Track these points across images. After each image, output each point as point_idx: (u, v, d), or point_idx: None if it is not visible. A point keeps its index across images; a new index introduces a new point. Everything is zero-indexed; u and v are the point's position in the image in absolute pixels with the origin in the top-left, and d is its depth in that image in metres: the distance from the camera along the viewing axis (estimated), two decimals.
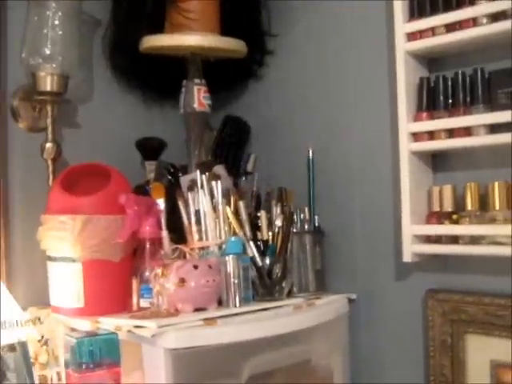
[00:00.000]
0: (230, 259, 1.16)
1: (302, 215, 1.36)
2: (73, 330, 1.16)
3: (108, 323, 1.11)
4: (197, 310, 1.14)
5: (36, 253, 1.28)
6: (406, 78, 1.19)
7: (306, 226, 1.35)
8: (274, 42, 1.52)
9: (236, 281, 1.16)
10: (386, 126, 1.30)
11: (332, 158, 1.40)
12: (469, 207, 1.14)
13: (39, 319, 1.10)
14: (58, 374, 1.11)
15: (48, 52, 1.27)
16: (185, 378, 1.04)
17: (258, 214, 1.33)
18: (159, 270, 1.11)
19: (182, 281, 1.11)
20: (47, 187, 1.31)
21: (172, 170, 1.45)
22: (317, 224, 1.37)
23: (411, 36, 1.19)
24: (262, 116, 1.54)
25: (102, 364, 1.05)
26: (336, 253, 1.37)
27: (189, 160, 1.45)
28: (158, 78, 1.48)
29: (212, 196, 1.27)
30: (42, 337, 1.09)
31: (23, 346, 1.06)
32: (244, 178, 1.46)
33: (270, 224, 1.29)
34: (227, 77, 1.52)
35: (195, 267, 1.13)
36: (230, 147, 1.50)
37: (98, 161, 1.30)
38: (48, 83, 1.28)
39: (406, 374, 1.28)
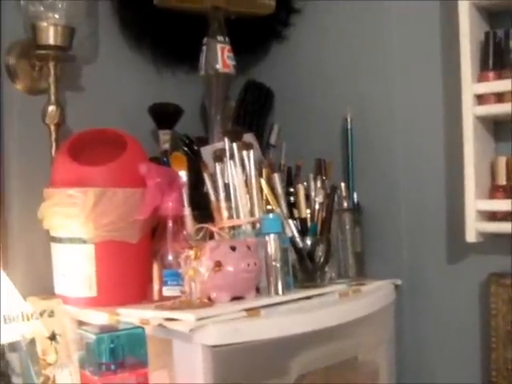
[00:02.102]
0: (271, 239, 1.00)
1: (338, 191, 1.21)
2: (80, 323, 0.99)
3: (130, 315, 0.95)
4: (233, 299, 0.98)
5: (36, 233, 1.12)
6: (470, 34, 1.04)
7: (345, 204, 1.21)
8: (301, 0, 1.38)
9: (278, 264, 1.00)
10: (438, 89, 1.19)
11: (371, 125, 1.28)
12: None
13: (51, 312, 0.92)
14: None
15: None
16: (226, 380, 0.88)
17: (291, 190, 1.18)
18: (192, 252, 0.94)
19: (218, 264, 0.95)
20: (49, 157, 1.15)
21: (187, 142, 1.30)
22: (356, 201, 1.23)
23: None
24: (286, 82, 1.41)
25: (125, 364, 0.88)
26: (377, 233, 1.25)
27: (209, 128, 1.30)
28: (172, 37, 1.33)
29: (243, 168, 1.11)
30: (52, 332, 0.91)
31: (30, 343, 0.89)
32: (270, 150, 1.31)
33: (308, 200, 1.14)
34: (249, 37, 1.37)
35: (233, 248, 0.97)
36: (252, 116, 1.35)
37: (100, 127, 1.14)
38: (51, 35, 1.12)
39: (460, 370, 1.18)
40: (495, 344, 1.09)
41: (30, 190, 1.13)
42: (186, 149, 1.29)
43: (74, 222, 1.02)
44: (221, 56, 1.25)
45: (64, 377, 0.92)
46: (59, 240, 1.06)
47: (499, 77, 1.06)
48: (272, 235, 1.01)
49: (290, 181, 1.23)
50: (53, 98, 1.14)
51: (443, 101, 1.17)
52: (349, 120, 1.26)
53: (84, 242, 1.03)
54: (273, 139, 1.36)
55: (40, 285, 1.11)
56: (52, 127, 1.14)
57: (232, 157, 1.11)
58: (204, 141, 1.31)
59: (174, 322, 0.89)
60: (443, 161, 1.19)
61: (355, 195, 1.24)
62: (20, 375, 0.87)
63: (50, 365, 0.93)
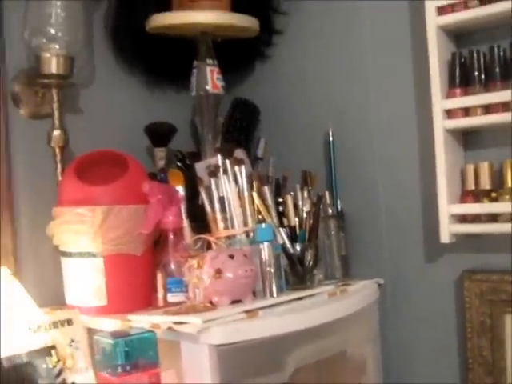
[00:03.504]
0: (265, 247, 1.10)
1: (323, 200, 1.30)
2: (90, 330, 1.07)
3: (141, 321, 1.04)
4: (233, 302, 1.07)
5: (45, 249, 1.20)
6: (438, 54, 1.14)
7: (330, 211, 1.30)
8: (282, 21, 1.45)
9: (272, 269, 1.10)
10: (411, 104, 1.27)
11: (351, 138, 1.35)
12: (509, 184, 1.11)
13: (70, 320, 1.00)
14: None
15: (53, 31, 1.18)
16: (231, 376, 0.97)
17: (279, 200, 1.27)
18: (195, 261, 1.03)
19: (219, 272, 1.04)
20: (55, 178, 1.22)
21: (181, 157, 1.38)
22: (340, 208, 1.32)
23: (442, 10, 1.14)
24: (271, 98, 1.48)
25: (138, 365, 0.97)
26: (360, 237, 1.33)
27: (200, 146, 1.38)
28: (162, 61, 1.39)
29: (235, 182, 1.20)
30: (71, 340, 1.00)
31: (52, 350, 0.97)
32: (258, 163, 1.40)
33: (295, 209, 1.23)
34: (234, 58, 1.44)
35: (231, 257, 1.06)
36: (240, 131, 1.43)
37: (101, 148, 1.21)
38: (53, 65, 1.19)
39: (440, 359, 1.25)
40: (470, 334, 1.18)
41: (38, 209, 1.20)
42: (179, 164, 1.37)
43: (84, 237, 1.10)
44: (210, 78, 1.32)
45: (83, 379, 1.00)
46: (69, 255, 1.13)
47: (465, 93, 1.14)
48: (265, 243, 1.10)
49: (278, 191, 1.31)
50: (57, 122, 1.21)
51: (416, 115, 1.25)
52: (330, 134, 1.33)
53: (93, 255, 1.10)
54: (260, 153, 1.42)
55: (49, 297, 1.17)
56: (57, 149, 1.22)
57: (225, 172, 1.20)
58: (195, 155, 1.38)
59: (183, 325, 0.97)
60: (418, 169, 1.26)
61: (339, 203, 1.32)
62: (45, 379, 0.95)
63: (68, 369, 1.00)
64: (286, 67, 1.46)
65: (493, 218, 1.13)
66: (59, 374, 0.98)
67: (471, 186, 1.16)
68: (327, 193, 1.31)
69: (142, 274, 1.15)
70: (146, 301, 1.15)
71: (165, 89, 1.46)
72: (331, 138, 1.34)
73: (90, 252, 1.11)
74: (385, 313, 1.30)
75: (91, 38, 1.33)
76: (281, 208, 1.26)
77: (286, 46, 1.45)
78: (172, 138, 1.37)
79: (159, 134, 1.35)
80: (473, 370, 1.18)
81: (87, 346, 1.02)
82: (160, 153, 1.35)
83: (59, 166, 1.22)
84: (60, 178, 1.21)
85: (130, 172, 1.15)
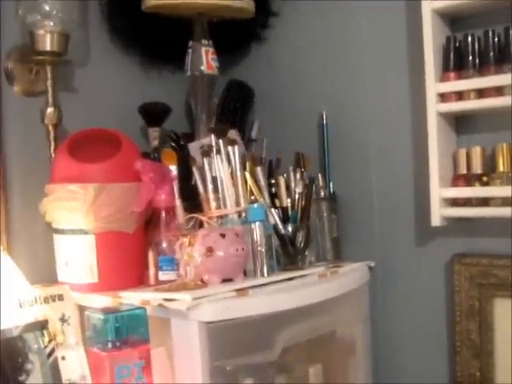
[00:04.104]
0: (256, 226, 1.10)
1: (315, 182, 1.30)
2: (81, 307, 1.08)
3: (131, 298, 1.04)
4: (224, 281, 1.07)
5: (38, 226, 1.20)
6: (433, 38, 1.14)
7: (322, 193, 1.30)
8: (278, 3, 1.45)
9: (263, 249, 1.10)
10: (405, 87, 1.27)
11: (345, 121, 1.35)
12: (501, 168, 1.12)
13: (61, 296, 1.01)
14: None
15: (47, 8, 1.18)
16: (220, 354, 0.98)
17: (272, 181, 1.28)
18: (186, 239, 1.04)
19: (210, 250, 1.04)
20: (48, 155, 1.22)
21: (175, 138, 1.38)
22: (332, 190, 1.32)
23: None
24: (266, 80, 1.48)
25: (128, 342, 0.98)
26: (352, 220, 1.34)
27: (195, 126, 1.38)
28: (158, 41, 1.39)
29: (228, 162, 1.20)
30: (62, 315, 1.00)
31: (43, 325, 0.98)
32: (252, 144, 1.40)
33: (288, 190, 1.24)
34: (229, 39, 1.44)
35: (222, 235, 1.06)
36: (234, 113, 1.43)
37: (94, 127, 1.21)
38: (48, 42, 1.19)
39: (428, 342, 1.27)
40: (459, 317, 1.19)
41: (30, 185, 1.20)
42: (173, 144, 1.37)
43: (76, 214, 1.10)
44: (205, 58, 1.32)
45: (73, 355, 1.01)
46: (62, 231, 1.13)
47: (459, 77, 1.14)
48: (257, 223, 1.10)
49: (270, 173, 1.31)
50: (50, 100, 1.21)
51: (410, 99, 1.25)
52: (324, 116, 1.33)
53: (85, 233, 1.10)
54: (254, 134, 1.43)
55: (41, 274, 1.16)
56: (50, 127, 1.21)
57: (218, 152, 1.20)
58: (189, 136, 1.38)
59: (173, 302, 0.97)
60: (410, 153, 1.26)
61: (331, 185, 1.32)
62: (36, 353, 0.96)
63: (59, 345, 1.01)
64: (281, 49, 1.46)
65: (484, 202, 1.13)
66: (51, 353, 0.98)
67: (463, 170, 1.17)
68: (320, 175, 1.32)
69: (133, 252, 1.15)
70: (137, 279, 1.16)
71: (160, 69, 1.46)
72: (325, 121, 1.34)
73: (82, 229, 1.11)
74: (375, 295, 1.30)
75: (86, 15, 1.31)
76: (273, 189, 1.27)
77: (282, 28, 1.45)
78: (166, 118, 1.37)
79: (153, 114, 1.35)
80: (461, 353, 1.19)
81: (78, 321, 1.02)
82: (154, 133, 1.35)
83: (52, 143, 1.22)
84: (53, 156, 1.20)
85: (123, 150, 1.15)
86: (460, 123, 1.22)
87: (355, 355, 1.24)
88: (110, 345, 0.96)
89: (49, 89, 1.21)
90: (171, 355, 1.02)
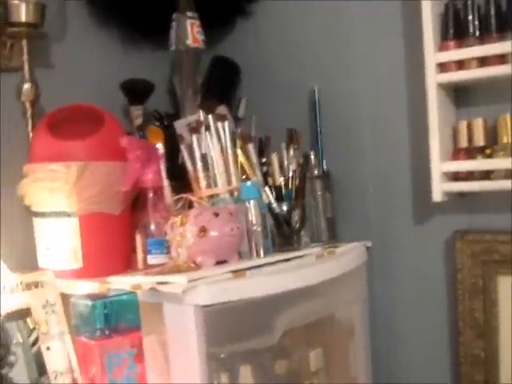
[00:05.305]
0: (251, 205, 1.04)
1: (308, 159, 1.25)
2: (65, 295, 1.01)
3: (120, 283, 0.98)
4: (218, 263, 1.01)
5: (15, 210, 1.13)
6: (431, 5, 1.09)
7: (316, 171, 1.25)
8: None
9: (259, 229, 1.04)
10: (400, 59, 1.22)
11: (337, 96, 1.30)
12: (504, 140, 1.07)
13: (44, 282, 0.94)
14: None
15: None
16: (218, 340, 0.92)
17: (263, 160, 1.22)
18: (177, 219, 0.97)
19: (203, 230, 0.98)
20: (25, 134, 1.15)
21: (158, 117, 1.31)
22: (325, 168, 1.27)
23: None
24: (253, 56, 1.42)
25: (118, 329, 0.91)
26: (346, 199, 1.29)
27: (179, 105, 1.31)
28: (139, 14, 1.31)
29: (218, 139, 1.14)
30: (46, 301, 0.93)
31: (25, 313, 0.91)
32: (240, 123, 1.34)
33: (281, 169, 1.18)
34: (214, 13, 1.37)
35: (216, 215, 1.00)
36: (220, 90, 1.37)
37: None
38: (22, 12, 1.12)
39: (430, 323, 1.22)
40: (462, 296, 1.14)
41: (5, 166, 1.12)
42: (157, 124, 1.31)
43: (58, 196, 1.03)
44: (190, 31, 1.26)
45: (59, 345, 0.94)
46: (42, 214, 1.06)
47: (459, 46, 1.09)
48: (252, 201, 1.05)
49: (261, 151, 1.26)
50: (27, 75, 1.14)
51: (406, 70, 1.20)
52: (316, 91, 1.28)
53: (68, 215, 1.04)
54: (241, 112, 1.38)
55: (20, 261, 1.09)
56: (27, 104, 1.15)
57: (208, 128, 1.14)
58: (173, 116, 1.32)
59: (167, 285, 0.91)
60: (407, 127, 1.21)
61: (324, 163, 1.27)
62: (19, 344, 0.89)
63: (43, 335, 0.94)
64: (268, 23, 1.40)
65: (486, 175, 1.09)
66: (35, 343, 0.91)
67: (464, 143, 1.12)
68: (312, 153, 1.26)
69: (119, 235, 1.09)
70: (125, 263, 1.09)
71: (141, 45, 1.39)
72: (317, 96, 1.29)
73: (65, 211, 1.04)
74: (373, 276, 1.25)
75: None
76: (264, 168, 1.21)
77: (269, 2, 1.39)
78: (149, 95, 1.31)
79: (136, 91, 1.28)
80: (464, 333, 1.15)
81: (62, 310, 0.95)
82: (136, 111, 1.29)
83: (30, 121, 1.16)
84: (31, 134, 1.13)
85: (107, 127, 1.08)
86: (459, 95, 1.17)
87: (354, 338, 1.19)
88: (98, 333, 0.90)
89: (25, 63, 1.15)
90: (164, 342, 0.96)
